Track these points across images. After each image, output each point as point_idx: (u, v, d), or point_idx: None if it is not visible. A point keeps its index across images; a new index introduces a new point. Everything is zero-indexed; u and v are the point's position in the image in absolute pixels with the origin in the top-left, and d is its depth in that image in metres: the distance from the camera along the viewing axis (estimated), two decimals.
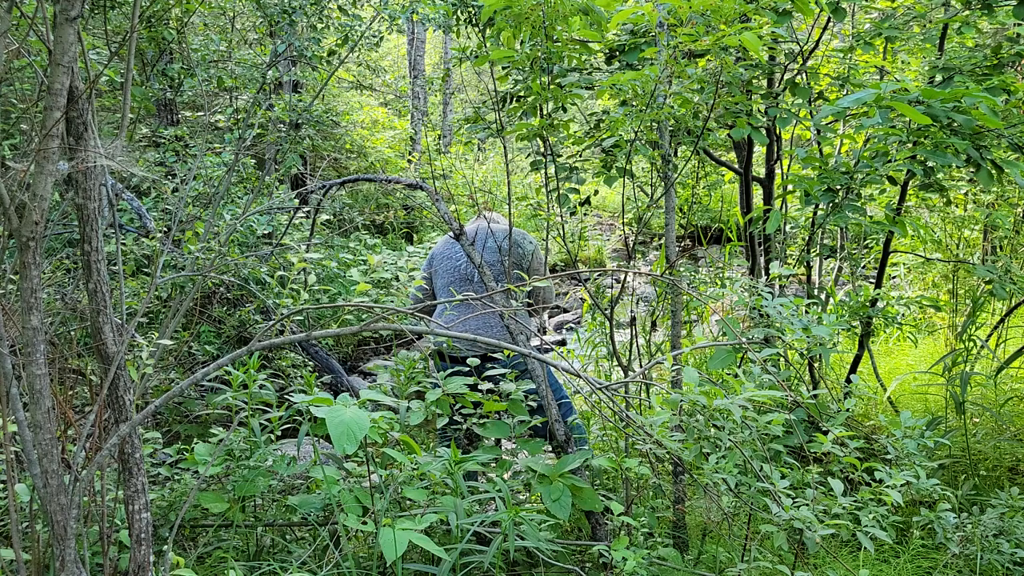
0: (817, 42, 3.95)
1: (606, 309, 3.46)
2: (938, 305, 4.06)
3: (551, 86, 3.21)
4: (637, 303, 7.35)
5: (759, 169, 4.67)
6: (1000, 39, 3.54)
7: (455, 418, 2.91)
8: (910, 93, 2.85)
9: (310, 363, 5.05)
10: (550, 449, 3.15)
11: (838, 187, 3.35)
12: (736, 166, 4.59)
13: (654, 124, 3.20)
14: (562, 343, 7.26)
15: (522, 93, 3.72)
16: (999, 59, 3.48)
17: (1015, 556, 2.71)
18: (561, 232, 3.61)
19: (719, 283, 4.19)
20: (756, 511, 2.45)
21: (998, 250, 5.82)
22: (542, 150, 3.44)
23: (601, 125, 3.69)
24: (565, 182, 3.64)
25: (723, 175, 6.49)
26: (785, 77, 3.98)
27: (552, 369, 3.37)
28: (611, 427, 3.50)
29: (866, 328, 3.96)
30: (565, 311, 8.68)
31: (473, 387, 2.91)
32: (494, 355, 3.37)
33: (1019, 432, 4.03)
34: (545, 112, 3.37)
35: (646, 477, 2.71)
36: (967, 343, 4.10)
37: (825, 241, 5.17)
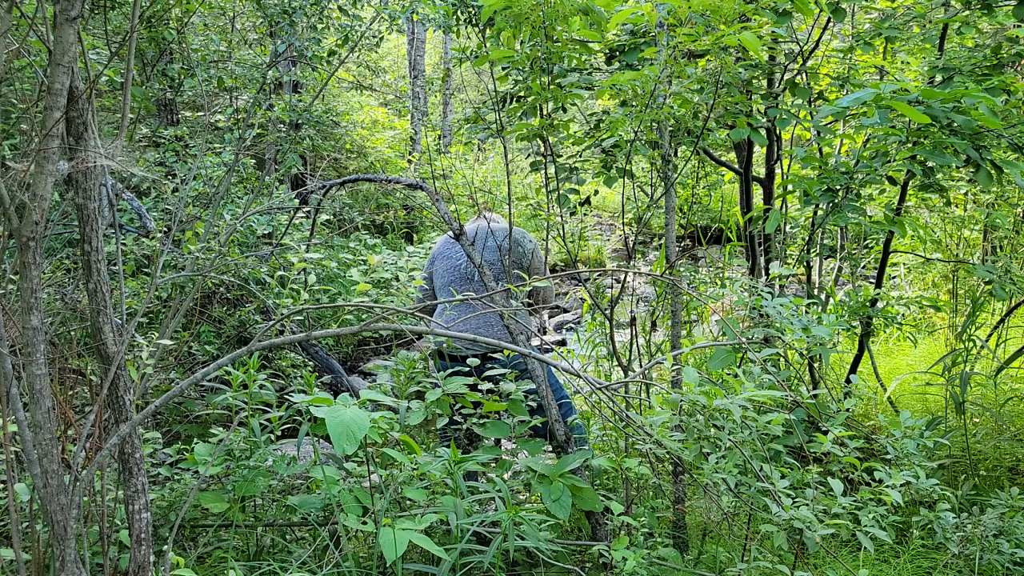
0: (817, 42, 3.95)
1: (606, 309, 3.46)
2: (938, 305, 4.06)
3: (551, 86, 3.21)
4: (637, 303, 7.35)
5: (759, 169, 4.67)
6: (1000, 39, 3.54)
7: (455, 418, 2.91)
8: (910, 93, 2.85)
9: (310, 363, 5.05)
10: (550, 449, 3.15)
11: (838, 187, 3.35)
12: (736, 166, 4.59)
13: (654, 124, 3.20)
14: (562, 343, 7.26)
15: (522, 93, 3.72)
16: (999, 59, 3.48)
17: (1015, 556, 2.71)
18: (561, 232, 3.61)
19: (719, 283, 4.19)
20: (756, 511, 2.45)
21: (998, 250, 5.82)
22: (542, 150, 3.44)
23: (601, 125, 3.69)
24: (565, 182, 3.64)
25: (723, 175, 6.49)
26: (785, 77, 3.98)
27: (552, 369, 3.38)
28: (611, 427, 3.50)
29: (866, 328, 3.96)
30: (565, 311, 8.68)
31: (473, 387, 2.91)
32: (494, 354, 3.37)
33: (1019, 432, 4.03)
34: (545, 112, 3.37)
35: (646, 477, 2.71)
36: (967, 343, 4.10)
37: (825, 241, 5.17)
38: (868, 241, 5.74)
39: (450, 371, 2.97)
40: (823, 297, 4.16)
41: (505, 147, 3.53)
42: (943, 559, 2.96)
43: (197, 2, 4.52)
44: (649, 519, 2.71)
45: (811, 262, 4.20)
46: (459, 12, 3.91)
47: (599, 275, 6.48)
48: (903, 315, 4.36)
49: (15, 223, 1.77)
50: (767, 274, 4.26)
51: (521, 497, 3.11)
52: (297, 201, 4.04)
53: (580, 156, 3.99)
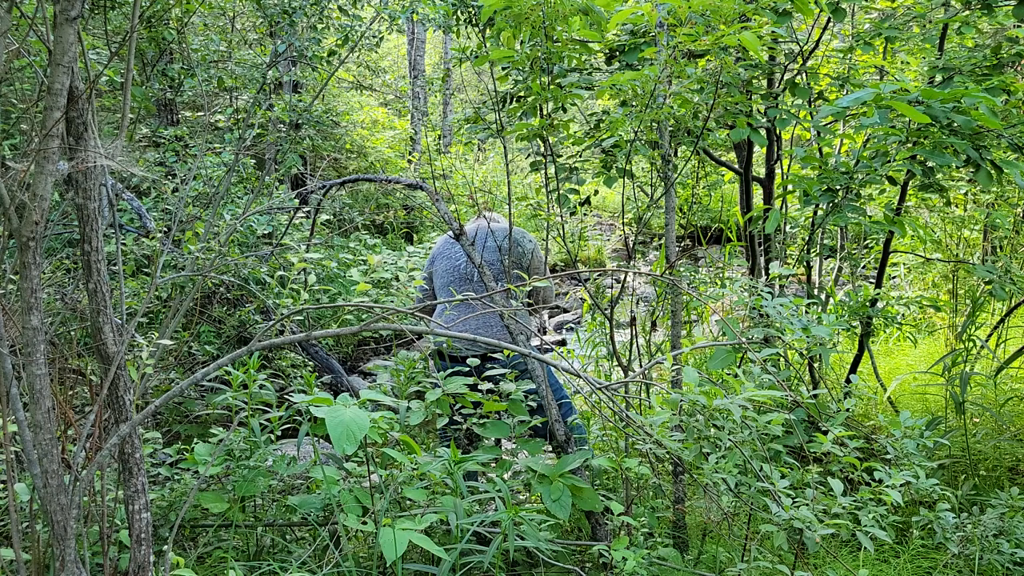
0: (817, 42, 3.95)
1: (606, 309, 3.46)
2: (938, 305, 4.06)
3: (551, 86, 3.21)
4: (637, 303, 7.35)
5: (759, 169, 4.67)
6: (1000, 39, 3.54)
7: (455, 418, 2.91)
8: (910, 93, 2.85)
9: (310, 363, 5.05)
10: (550, 449, 3.15)
11: (838, 187, 3.35)
12: (736, 166, 4.59)
13: (654, 124, 3.20)
14: (562, 343, 7.26)
15: (522, 93, 3.72)
16: (999, 59, 3.48)
17: (1015, 556, 2.71)
18: (561, 232, 3.61)
19: (719, 283, 4.19)
20: (756, 511, 2.45)
21: (998, 250, 5.83)
22: (542, 150, 3.44)
23: (601, 125, 3.69)
24: (565, 182, 3.64)
25: (723, 175, 6.49)
26: (785, 77, 3.98)
27: (552, 369, 3.38)
28: (611, 427, 3.50)
29: (866, 328, 3.96)
30: (565, 311, 8.68)
31: (473, 387, 2.91)
32: (494, 355, 3.37)
33: (1019, 432, 4.03)
34: (545, 112, 3.37)
35: (646, 477, 2.71)
36: (967, 343, 4.10)
37: (825, 241, 5.17)
38: (868, 241, 5.74)
39: (450, 371, 2.97)
40: (823, 297, 4.16)
41: (505, 147, 3.53)
42: (943, 559, 2.96)
43: (197, 2, 4.52)
44: (649, 519, 2.71)
45: (811, 262, 4.20)
46: (459, 12, 3.91)
47: (599, 275, 6.49)
48: (903, 315, 4.36)
49: (15, 223, 1.77)
50: (767, 274, 4.26)
51: (521, 497, 3.11)
52: (297, 201, 4.05)
53: (580, 156, 3.99)
